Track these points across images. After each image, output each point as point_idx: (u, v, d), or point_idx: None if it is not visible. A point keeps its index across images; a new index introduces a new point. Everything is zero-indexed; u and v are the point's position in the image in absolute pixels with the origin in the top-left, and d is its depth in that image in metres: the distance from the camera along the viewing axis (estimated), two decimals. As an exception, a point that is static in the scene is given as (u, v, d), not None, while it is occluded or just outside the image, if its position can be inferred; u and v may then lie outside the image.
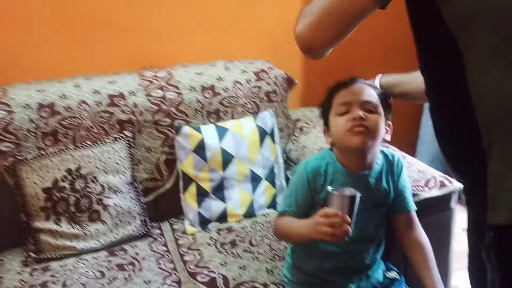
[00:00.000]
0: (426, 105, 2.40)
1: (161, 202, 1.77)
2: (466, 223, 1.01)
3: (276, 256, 1.53)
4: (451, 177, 1.52)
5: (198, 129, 1.74)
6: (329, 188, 1.15)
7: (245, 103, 1.87)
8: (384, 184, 1.29)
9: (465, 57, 0.85)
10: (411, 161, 1.68)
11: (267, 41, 2.14)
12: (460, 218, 1.51)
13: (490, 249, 0.85)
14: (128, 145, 1.66)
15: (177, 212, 1.76)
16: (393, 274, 1.37)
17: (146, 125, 1.72)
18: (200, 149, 1.71)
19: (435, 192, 1.50)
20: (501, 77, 0.81)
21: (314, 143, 1.88)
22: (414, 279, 1.35)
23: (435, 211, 1.51)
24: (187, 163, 1.71)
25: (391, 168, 1.31)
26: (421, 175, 1.56)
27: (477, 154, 0.86)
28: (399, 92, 1.35)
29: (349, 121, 1.20)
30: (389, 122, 1.28)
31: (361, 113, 1.19)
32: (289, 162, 1.93)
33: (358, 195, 1.11)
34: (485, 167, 0.84)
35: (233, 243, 1.60)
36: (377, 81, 1.37)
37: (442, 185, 1.53)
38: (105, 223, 1.57)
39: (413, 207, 1.33)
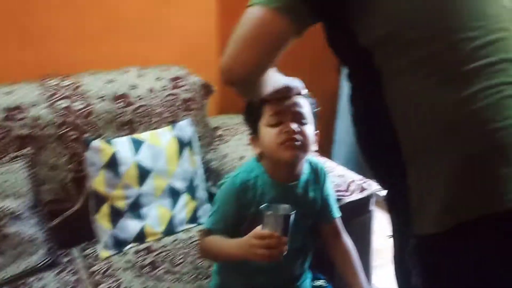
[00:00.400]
0: (341, 108, 2.45)
1: (70, 227, 1.60)
2: (391, 227, 1.00)
3: (200, 275, 1.44)
4: (369, 178, 1.55)
5: (109, 142, 1.60)
6: (263, 207, 1.09)
7: (161, 112, 1.76)
8: (311, 194, 1.26)
9: (382, 72, 0.84)
10: (331, 165, 1.68)
11: (182, 47, 2.04)
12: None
13: (414, 255, 0.87)
14: (29, 164, 1.48)
15: (89, 237, 1.61)
16: (320, 282, 1.35)
17: (50, 140, 1.55)
18: (112, 164, 1.57)
19: (357, 196, 1.52)
20: (414, 91, 0.81)
21: (234, 152, 1.81)
22: (342, 284, 1.34)
23: (356, 214, 1.52)
24: (98, 181, 1.57)
25: (317, 177, 1.28)
26: (342, 179, 1.57)
27: (397, 165, 0.85)
28: None
29: (282, 134, 1.14)
30: (317, 131, 1.24)
31: (294, 126, 1.14)
32: (209, 173, 1.84)
33: (293, 213, 1.06)
34: (404, 176, 0.85)
35: (153, 265, 1.48)
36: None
37: (362, 188, 1.55)
38: (5, 255, 1.38)
39: (337, 214, 1.31)
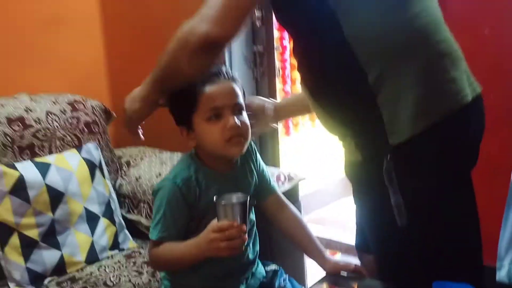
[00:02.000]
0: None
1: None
2: (360, 175, 1.05)
3: (143, 290, 1.30)
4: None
5: (13, 167, 1.40)
6: (215, 199, 1.05)
7: (64, 136, 1.61)
8: (249, 174, 1.24)
9: (337, 11, 0.94)
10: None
11: (72, 75, 1.94)
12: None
13: (391, 171, 0.94)
14: None
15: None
16: (272, 266, 1.32)
17: None
18: (19, 189, 1.38)
19: (287, 186, 1.58)
20: (370, 20, 0.93)
21: (148, 172, 1.72)
22: (290, 268, 1.38)
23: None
24: (2, 209, 1.35)
25: (250, 156, 1.26)
26: (270, 172, 1.59)
27: (365, 94, 0.95)
28: (294, 110, 1.41)
29: (226, 130, 1.10)
30: None
31: (236, 121, 1.11)
32: (121, 199, 1.71)
33: (248, 198, 1.04)
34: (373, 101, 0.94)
35: (84, 291, 1.29)
36: (270, 108, 1.34)
37: (290, 178, 1.60)
38: None
39: (277, 188, 1.31)
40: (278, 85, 2.81)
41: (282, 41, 2.67)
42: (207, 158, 1.17)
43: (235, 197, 1.05)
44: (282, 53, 2.86)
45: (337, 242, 2.50)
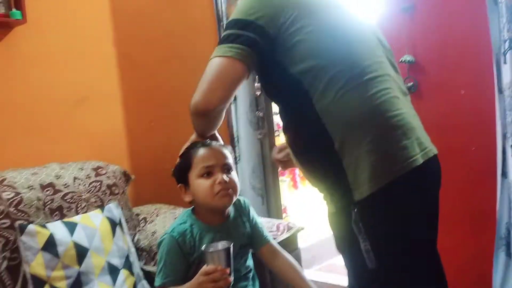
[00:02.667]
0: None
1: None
2: (336, 224, 1.23)
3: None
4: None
5: (44, 227, 1.62)
6: (203, 247, 1.24)
7: (89, 198, 1.83)
8: (241, 226, 1.43)
9: (309, 90, 1.14)
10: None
11: (95, 145, 2.18)
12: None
13: (358, 222, 1.11)
14: (-36, 252, 1.43)
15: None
16: None
17: (-18, 229, 1.53)
18: (50, 245, 1.58)
19: (286, 234, 1.75)
20: (337, 98, 1.14)
21: (163, 227, 1.91)
22: None
23: (287, 251, 1.68)
24: (36, 264, 1.55)
25: (242, 209, 1.47)
26: (271, 223, 1.78)
27: (331, 159, 1.14)
28: None
29: (215, 185, 1.32)
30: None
31: (225, 177, 1.34)
32: (140, 252, 1.90)
33: (231, 245, 1.23)
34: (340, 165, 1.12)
35: (107, 335, 1.46)
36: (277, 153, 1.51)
37: (289, 228, 1.78)
38: None
39: (271, 238, 1.49)
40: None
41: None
42: (201, 213, 1.38)
43: (220, 245, 1.23)
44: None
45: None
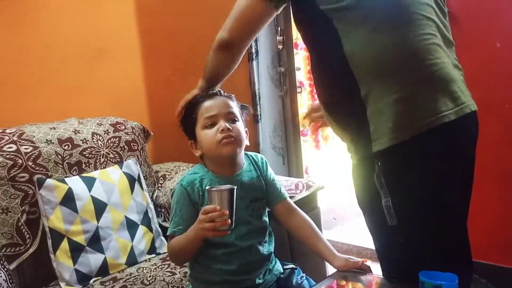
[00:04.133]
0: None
1: (26, 270, 1.54)
2: (358, 177, 1.17)
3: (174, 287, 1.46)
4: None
5: (63, 181, 1.61)
6: (207, 187, 1.21)
7: (107, 153, 1.82)
8: (255, 180, 1.39)
9: (339, 29, 1.07)
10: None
11: (114, 99, 2.15)
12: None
13: (380, 175, 1.07)
14: (-17, 204, 1.44)
15: (46, 280, 1.55)
16: (290, 265, 1.45)
17: (1, 182, 1.53)
18: (68, 200, 1.58)
19: (305, 193, 1.70)
20: (367, 41, 1.05)
21: (182, 185, 1.90)
22: (310, 271, 1.48)
23: (307, 210, 1.64)
24: (54, 218, 1.55)
25: (257, 165, 1.42)
26: (289, 181, 1.73)
27: (356, 105, 1.08)
28: None
29: (218, 133, 1.29)
30: (246, 129, 1.40)
31: (227, 124, 1.30)
32: (158, 209, 1.90)
33: (234, 187, 1.18)
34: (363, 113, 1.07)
35: (124, 288, 1.47)
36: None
37: (308, 186, 1.72)
38: (-35, 295, 1.30)
39: (287, 195, 1.45)
40: (308, 100, 2.95)
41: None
42: (211, 164, 1.35)
43: (224, 187, 1.18)
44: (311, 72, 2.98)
45: (368, 249, 2.59)
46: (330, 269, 1.78)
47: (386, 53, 1.05)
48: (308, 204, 1.70)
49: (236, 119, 1.33)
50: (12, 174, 1.56)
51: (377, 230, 1.16)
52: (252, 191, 1.36)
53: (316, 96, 1.29)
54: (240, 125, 1.34)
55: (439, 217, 1.08)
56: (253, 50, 2.31)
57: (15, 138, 1.63)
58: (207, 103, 1.33)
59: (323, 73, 1.16)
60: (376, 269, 1.29)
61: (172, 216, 1.31)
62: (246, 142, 1.35)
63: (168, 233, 1.31)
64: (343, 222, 3.10)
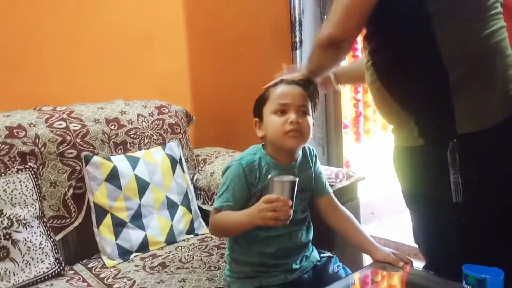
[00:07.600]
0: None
1: (70, 243, 1.61)
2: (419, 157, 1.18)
3: (211, 268, 1.48)
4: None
5: (108, 159, 1.67)
6: (270, 176, 1.21)
7: (151, 135, 1.86)
8: (306, 172, 1.39)
9: (432, 19, 1.10)
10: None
11: (159, 85, 2.20)
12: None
13: (455, 152, 1.09)
14: (34, 176, 1.50)
15: (89, 253, 1.62)
16: (327, 254, 1.45)
17: (50, 157, 1.60)
18: (113, 177, 1.63)
19: (345, 182, 1.69)
20: (461, 29, 1.10)
21: (221, 168, 1.91)
22: (348, 261, 1.48)
23: (346, 200, 1.66)
24: (99, 194, 1.61)
25: (309, 157, 1.42)
26: (330, 170, 1.73)
27: (441, 89, 1.11)
28: (352, 76, 1.55)
29: (286, 124, 1.28)
30: (313, 121, 1.40)
31: (297, 117, 1.29)
32: (198, 191, 1.93)
33: (296, 179, 1.19)
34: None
35: (163, 265, 1.51)
36: (332, 74, 1.51)
37: (349, 176, 1.72)
38: (15, 261, 1.36)
39: (331, 190, 1.45)
40: (350, 93, 2.91)
41: (354, 52, 2.77)
42: (271, 150, 1.35)
43: (286, 178, 1.20)
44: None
45: (405, 245, 2.54)
46: (368, 260, 1.78)
47: (475, 42, 1.10)
48: (348, 194, 1.69)
49: (307, 112, 1.32)
50: (61, 150, 1.62)
51: (432, 212, 1.17)
52: (303, 181, 1.36)
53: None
54: (309, 120, 1.33)
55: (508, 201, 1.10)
56: (297, 40, 2.31)
57: (65, 116, 1.69)
58: (282, 88, 1.33)
59: (400, 52, 1.16)
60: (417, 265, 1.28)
61: (223, 191, 1.32)
62: (310, 136, 1.35)
63: (215, 206, 1.32)
64: (381, 217, 3.06)
